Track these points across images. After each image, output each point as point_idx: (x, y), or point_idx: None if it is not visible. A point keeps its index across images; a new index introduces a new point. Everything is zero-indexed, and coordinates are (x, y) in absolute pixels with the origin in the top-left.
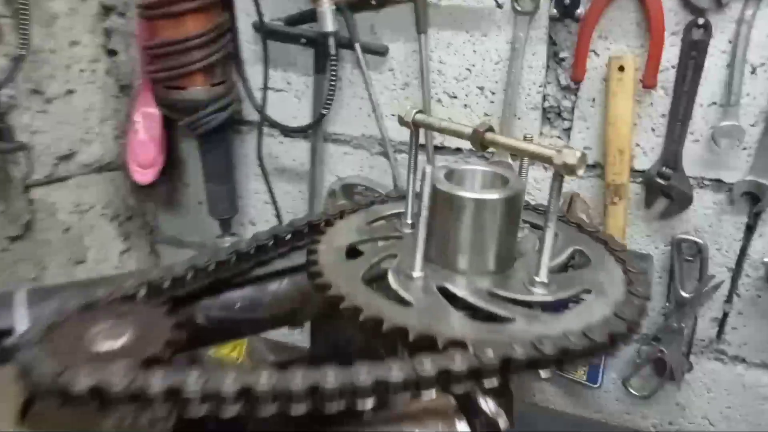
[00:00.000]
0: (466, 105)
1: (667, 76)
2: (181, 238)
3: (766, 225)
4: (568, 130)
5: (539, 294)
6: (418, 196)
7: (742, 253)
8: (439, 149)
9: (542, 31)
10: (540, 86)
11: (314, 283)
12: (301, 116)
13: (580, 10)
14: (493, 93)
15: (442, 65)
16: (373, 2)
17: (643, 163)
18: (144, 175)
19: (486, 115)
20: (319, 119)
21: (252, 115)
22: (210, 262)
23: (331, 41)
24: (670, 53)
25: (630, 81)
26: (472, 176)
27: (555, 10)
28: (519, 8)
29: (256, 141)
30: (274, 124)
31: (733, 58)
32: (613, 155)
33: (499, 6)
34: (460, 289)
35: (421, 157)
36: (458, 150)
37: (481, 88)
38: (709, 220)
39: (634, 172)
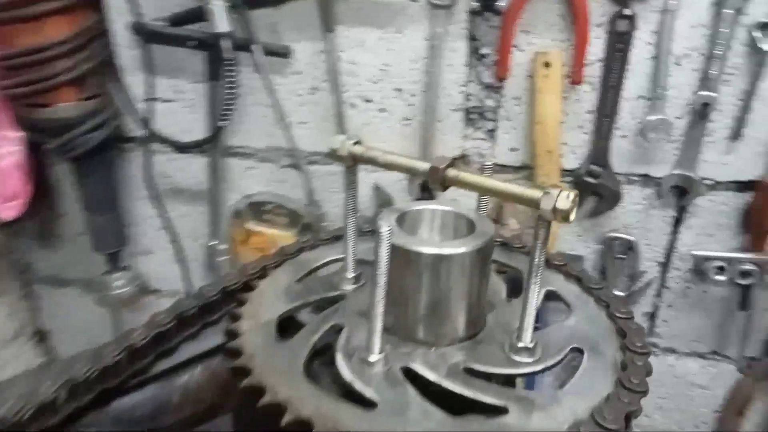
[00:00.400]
0: (382, 109)
1: (592, 70)
2: (61, 275)
3: (693, 217)
4: (492, 132)
5: (525, 363)
6: (370, 228)
7: (670, 246)
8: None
9: (461, 26)
10: (462, 86)
11: (242, 385)
12: (196, 129)
13: (502, 2)
14: (412, 95)
15: (354, 66)
16: None
17: (571, 162)
18: (8, 210)
19: (406, 119)
20: (217, 132)
21: (137, 131)
22: (91, 371)
23: (226, 43)
24: (596, 46)
25: (557, 77)
26: (430, 219)
27: (475, 3)
28: (436, 1)
29: (144, 160)
30: (163, 140)
31: (658, 49)
32: (542, 156)
33: (414, 0)
34: (430, 371)
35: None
36: None
37: (399, 90)
38: (637, 216)
39: (562, 171)
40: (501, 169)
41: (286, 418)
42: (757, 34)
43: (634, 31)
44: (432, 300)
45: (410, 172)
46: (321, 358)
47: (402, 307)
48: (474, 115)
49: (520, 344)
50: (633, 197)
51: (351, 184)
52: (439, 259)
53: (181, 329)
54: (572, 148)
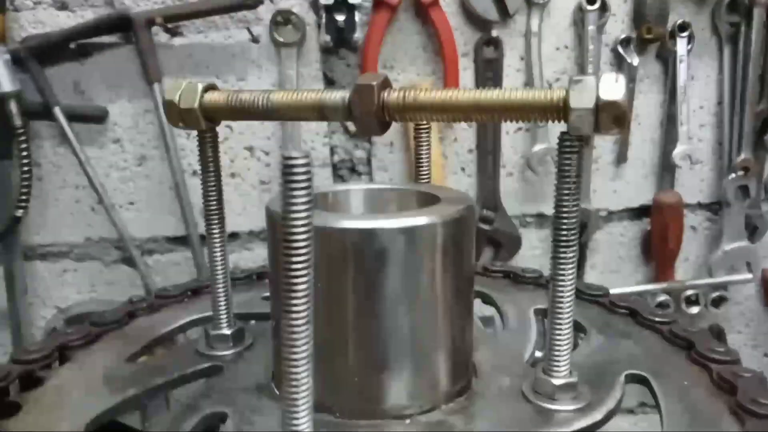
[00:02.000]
0: (233, 174)
1: None
2: None
3: (595, 254)
4: None
5: (575, 410)
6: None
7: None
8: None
9: (315, 67)
10: (325, 137)
11: None
12: None
13: (358, 35)
14: (266, 153)
15: None
16: (72, 46)
17: None
18: None
19: (263, 183)
20: (9, 227)
21: None
22: None
23: (13, 107)
24: (465, 77)
25: None
26: (364, 202)
27: (327, 37)
28: (281, 39)
29: None
30: None
31: (529, 75)
32: None
33: (255, 40)
34: None
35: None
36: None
37: (250, 149)
38: (538, 260)
39: None
40: None
41: None
42: (622, 49)
43: (502, 58)
44: (394, 324)
45: (318, 112)
46: None
47: (339, 354)
48: (343, 171)
49: (556, 381)
50: (530, 241)
51: (210, 161)
52: (403, 236)
53: None
54: None
